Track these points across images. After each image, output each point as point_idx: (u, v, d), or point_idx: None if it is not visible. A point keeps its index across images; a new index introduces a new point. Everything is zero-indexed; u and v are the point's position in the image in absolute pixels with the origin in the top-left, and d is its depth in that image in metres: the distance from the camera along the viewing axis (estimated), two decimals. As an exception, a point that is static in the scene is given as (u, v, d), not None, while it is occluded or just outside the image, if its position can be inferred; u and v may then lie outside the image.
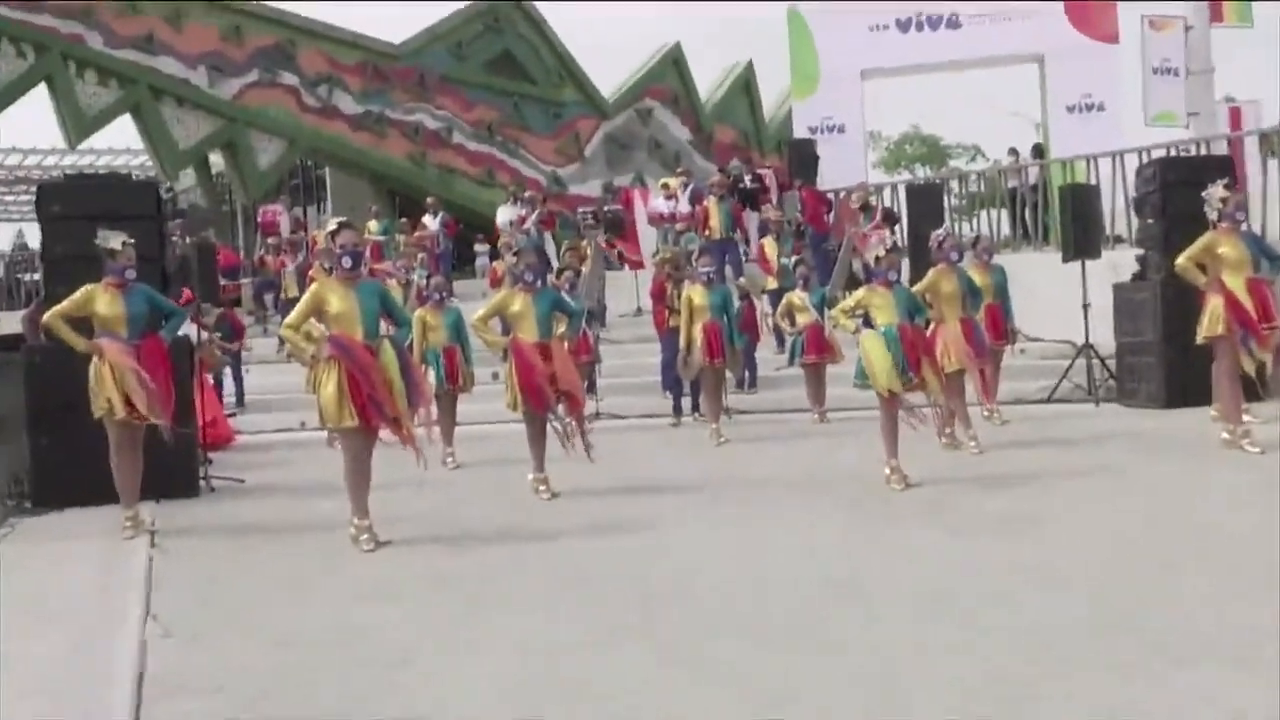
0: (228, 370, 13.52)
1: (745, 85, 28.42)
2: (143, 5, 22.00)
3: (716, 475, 9.02)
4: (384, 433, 6.84)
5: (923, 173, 33.12)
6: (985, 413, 10.73)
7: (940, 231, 9.80)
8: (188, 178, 27.45)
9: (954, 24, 19.97)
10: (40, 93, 21.66)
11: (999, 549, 6.08)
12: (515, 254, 8.25)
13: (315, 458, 10.68)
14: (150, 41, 22.02)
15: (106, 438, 7.44)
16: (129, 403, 7.24)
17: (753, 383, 13.38)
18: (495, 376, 13.37)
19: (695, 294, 10.95)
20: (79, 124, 21.83)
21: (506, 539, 6.92)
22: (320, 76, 23.64)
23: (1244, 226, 8.62)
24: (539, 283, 8.18)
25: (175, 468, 8.38)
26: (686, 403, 12.60)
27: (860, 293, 8.24)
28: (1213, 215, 8.52)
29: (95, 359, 7.34)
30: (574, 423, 8.09)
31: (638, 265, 17.65)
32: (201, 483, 9.09)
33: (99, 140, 25.67)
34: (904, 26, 20.03)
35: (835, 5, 20.21)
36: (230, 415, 12.82)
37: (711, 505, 7.79)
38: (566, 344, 8.45)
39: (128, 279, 7.47)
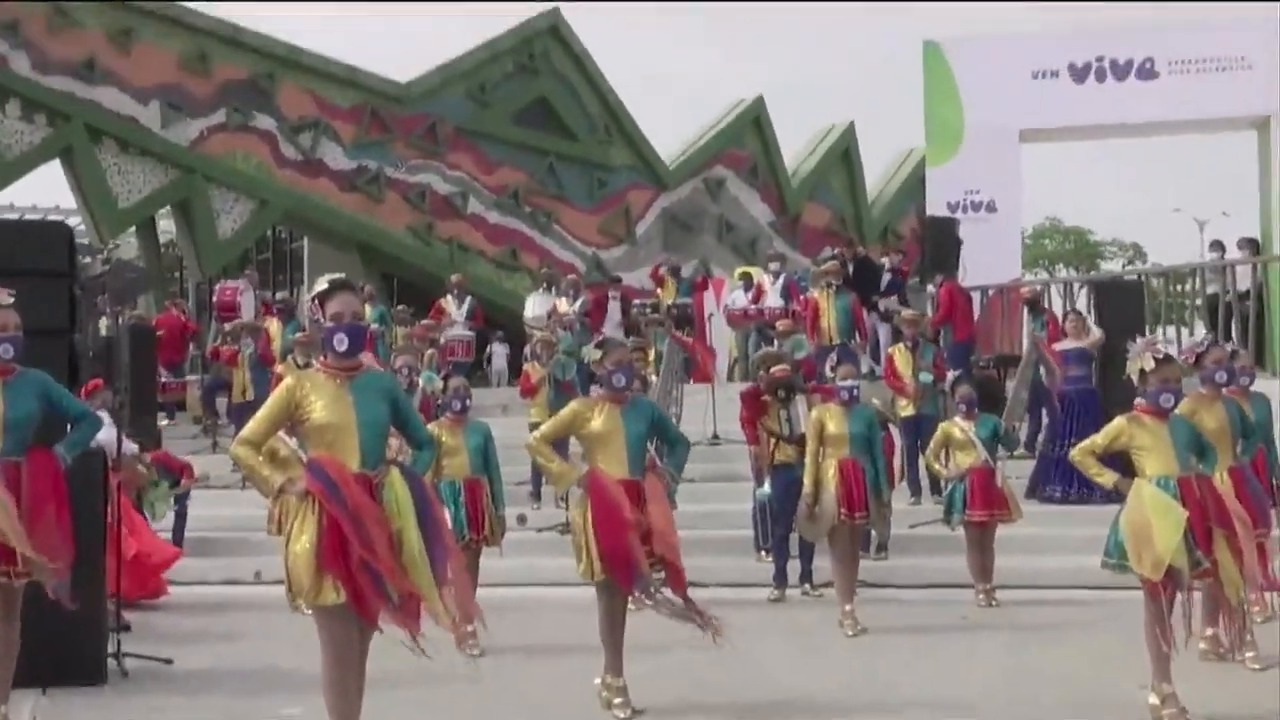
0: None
1: (844, 154, 28.46)
2: (82, 15, 21.50)
3: (868, 691, 7.99)
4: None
5: (1064, 274, 32.45)
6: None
7: (1201, 340, 8.83)
8: (129, 247, 26.86)
9: (1148, 73, 19.30)
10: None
11: None
12: (598, 346, 7.37)
13: (275, 627, 9.88)
14: (90, 68, 21.66)
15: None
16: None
17: (882, 545, 12.16)
18: (522, 520, 12.57)
19: (830, 417, 10.18)
20: (-7, 169, 21.26)
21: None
22: (304, 121, 23.37)
23: None
24: (629, 390, 7.28)
25: (71, 643, 7.74)
26: (792, 568, 11.56)
27: (1118, 424, 7.10)
28: None
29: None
30: (679, 599, 7.17)
31: (705, 378, 16.71)
32: (110, 663, 8.32)
33: (19, 193, 25.45)
34: (1080, 74, 19.41)
35: (988, 39, 19.37)
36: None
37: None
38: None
39: (4, 359, 6.50)
